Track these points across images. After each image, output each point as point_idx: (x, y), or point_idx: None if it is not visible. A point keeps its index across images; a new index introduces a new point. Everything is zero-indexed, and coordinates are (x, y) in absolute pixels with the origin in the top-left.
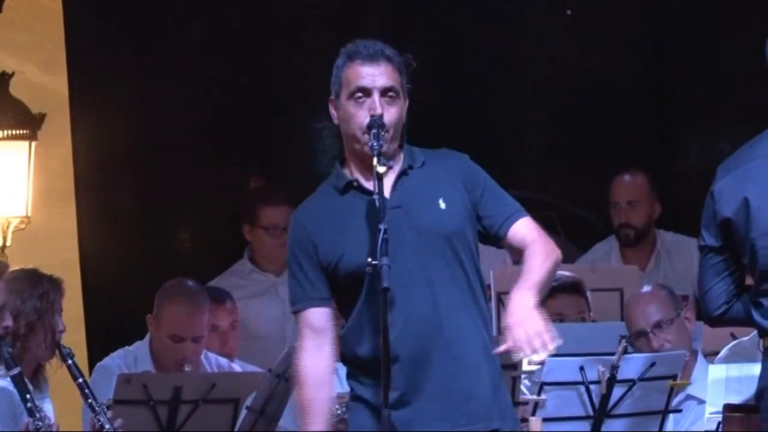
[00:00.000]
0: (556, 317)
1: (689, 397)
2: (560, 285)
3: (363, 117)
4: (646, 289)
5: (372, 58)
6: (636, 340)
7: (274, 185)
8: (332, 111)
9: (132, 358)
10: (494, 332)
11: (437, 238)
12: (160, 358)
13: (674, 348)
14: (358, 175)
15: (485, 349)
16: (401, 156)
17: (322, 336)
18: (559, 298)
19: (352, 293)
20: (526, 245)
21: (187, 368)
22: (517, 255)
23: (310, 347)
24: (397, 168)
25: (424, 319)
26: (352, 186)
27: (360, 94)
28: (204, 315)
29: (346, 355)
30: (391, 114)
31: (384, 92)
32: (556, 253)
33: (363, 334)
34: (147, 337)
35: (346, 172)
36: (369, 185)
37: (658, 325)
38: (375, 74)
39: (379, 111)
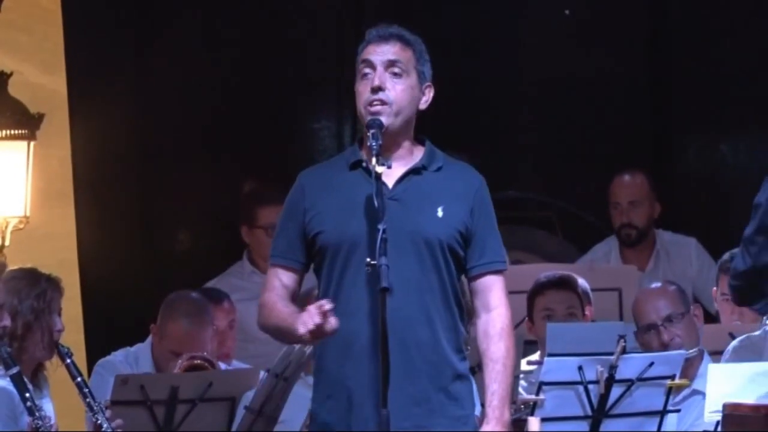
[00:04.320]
0: (545, 313)
1: (695, 392)
2: (549, 281)
3: (365, 92)
4: (656, 284)
5: (383, 37)
6: (645, 333)
7: (270, 186)
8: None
9: (133, 358)
10: None
11: (421, 242)
12: (161, 366)
13: (683, 343)
14: (368, 157)
15: (443, 359)
16: (419, 152)
17: (287, 291)
18: (548, 294)
19: (323, 266)
20: (484, 313)
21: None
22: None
23: (279, 294)
24: (410, 163)
25: (384, 316)
26: (359, 165)
27: (366, 70)
28: (207, 331)
29: None
30: (397, 90)
31: (388, 66)
32: (510, 336)
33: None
34: (148, 340)
35: (360, 151)
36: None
37: (668, 319)
38: (382, 51)
39: (376, 83)
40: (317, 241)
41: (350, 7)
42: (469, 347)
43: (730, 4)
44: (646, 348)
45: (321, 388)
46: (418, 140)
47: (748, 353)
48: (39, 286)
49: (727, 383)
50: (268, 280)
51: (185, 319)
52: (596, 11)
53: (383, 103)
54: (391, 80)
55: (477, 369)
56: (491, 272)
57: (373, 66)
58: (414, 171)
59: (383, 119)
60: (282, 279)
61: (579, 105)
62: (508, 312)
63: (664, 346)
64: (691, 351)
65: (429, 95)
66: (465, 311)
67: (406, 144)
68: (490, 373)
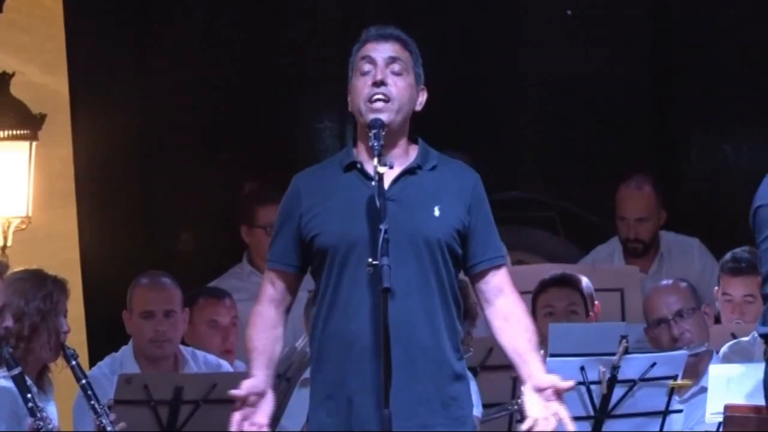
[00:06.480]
0: (547, 310)
1: (703, 390)
2: (551, 279)
3: (366, 87)
4: (668, 281)
5: (381, 37)
6: (655, 328)
7: (269, 186)
8: (348, 99)
9: (118, 363)
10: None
11: (419, 242)
12: (140, 347)
13: (693, 339)
14: (363, 158)
15: (443, 359)
16: (413, 152)
17: (281, 296)
18: (550, 291)
19: (321, 268)
20: (500, 297)
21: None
22: (479, 302)
23: (270, 299)
24: (405, 163)
25: (386, 316)
26: (354, 166)
27: (367, 67)
28: (172, 292)
29: (311, 336)
30: (398, 86)
31: (389, 63)
32: (527, 316)
33: (329, 315)
34: (131, 341)
35: (354, 152)
36: (370, 170)
37: (679, 314)
38: (383, 48)
39: (378, 77)
40: (315, 244)
41: (351, 6)
42: (472, 348)
43: (730, 4)
44: (656, 344)
45: (320, 388)
46: (411, 140)
47: (739, 358)
48: (45, 287)
49: (729, 385)
50: (262, 285)
51: (146, 280)
52: (597, 11)
53: (386, 98)
54: (392, 77)
55: (478, 369)
56: (496, 267)
57: (374, 62)
58: (409, 171)
59: (384, 117)
60: (276, 284)
61: (579, 105)
62: (521, 298)
63: (674, 341)
64: (697, 347)
65: (423, 98)
66: (462, 311)
67: (403, 143)
68: (521, 343)
